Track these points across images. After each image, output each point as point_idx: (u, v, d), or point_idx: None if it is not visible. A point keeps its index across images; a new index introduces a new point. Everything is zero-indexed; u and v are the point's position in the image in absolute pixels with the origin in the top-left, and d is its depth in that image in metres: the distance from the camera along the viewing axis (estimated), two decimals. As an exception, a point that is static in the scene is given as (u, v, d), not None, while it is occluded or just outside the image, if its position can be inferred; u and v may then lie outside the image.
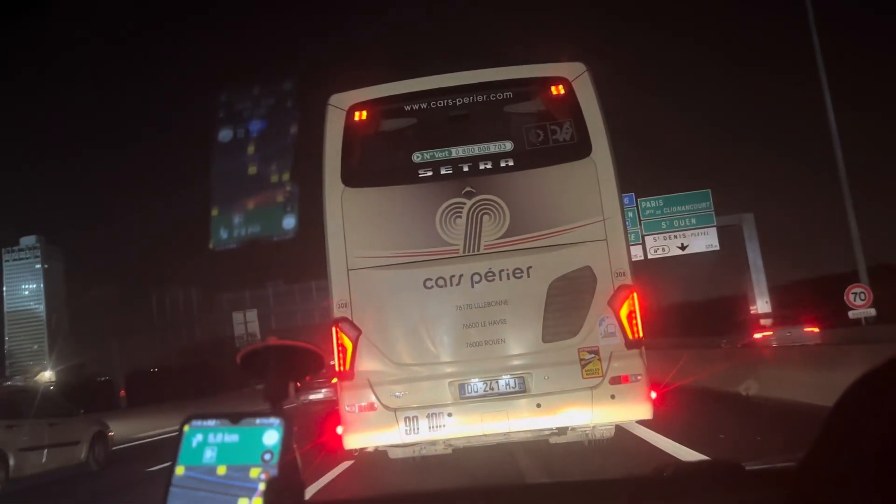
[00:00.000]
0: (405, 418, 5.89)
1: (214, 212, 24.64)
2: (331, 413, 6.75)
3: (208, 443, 1.06)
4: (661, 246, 27.33)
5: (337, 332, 6.07)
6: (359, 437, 6.04)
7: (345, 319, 6.08)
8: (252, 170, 23.83)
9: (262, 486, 1.01)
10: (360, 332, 6.05)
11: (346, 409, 5.99)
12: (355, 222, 6.21)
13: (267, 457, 1.03)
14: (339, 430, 6.05)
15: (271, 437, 1.05)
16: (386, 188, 6.37)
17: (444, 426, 5.90)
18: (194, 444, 1.07)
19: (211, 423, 1.08)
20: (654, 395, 6.02)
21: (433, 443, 6.18)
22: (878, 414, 0.93)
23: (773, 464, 1.54)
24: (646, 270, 28.04)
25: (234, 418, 1.07)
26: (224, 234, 24.77)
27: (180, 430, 1.08)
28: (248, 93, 24.46)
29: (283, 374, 1.23)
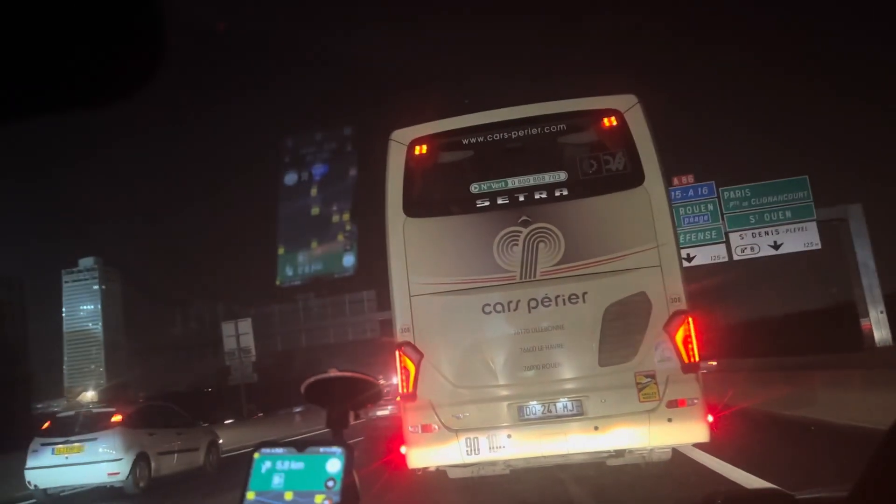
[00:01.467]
0: (466, 439, 6.12)
1: (281, 250, 25.50)
2: (395, 433, 7.02)
3: (276, 469, 1.14)
4: (750, 245, 23.15)
5: (400, 355, 6.36)
6: (422, 457, 6.29)
7: (408, 343, 6.36)
8: (315, 210, 24.65)
9: None
10: (422, 355, 6.31)
11: (410, 429, 6.26)
12: (417, 251, 6.50)
13: (330, 483, 1.10)
14: (403, 449, 6.32)
15: (334, 465, 1.12)
16: (445, 218, 6.66)
17: (503, 447, 6.11)
18: (263, 470, 1.14)
19: (279, 451, 1.15)
20: (710, 418, 6.11)
21: (493, 463, 6.38)
22: None
23: (823, 492, 1.52)
24: (730, 273, 25.06)
25: (300, 447, 1.15)
26: (290, 272, 25.66)
27: (251, 458, 1.16)
28: (310, 138, 25.34)
29: (344, 402, 1.30)
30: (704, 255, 23.39)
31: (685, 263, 21.33)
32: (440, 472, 6.81)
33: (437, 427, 6.19)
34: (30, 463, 11.94)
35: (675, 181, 23.39)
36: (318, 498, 1.09)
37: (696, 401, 6.04)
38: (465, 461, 6.19)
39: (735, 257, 23.22)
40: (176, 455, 13.58)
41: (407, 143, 6.69)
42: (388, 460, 7.40)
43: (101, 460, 11.82)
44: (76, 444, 11.90)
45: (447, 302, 6.39)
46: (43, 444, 12.06)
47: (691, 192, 23.71)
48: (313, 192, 24.77)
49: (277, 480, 1.12)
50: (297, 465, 1.12)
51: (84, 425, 12.34)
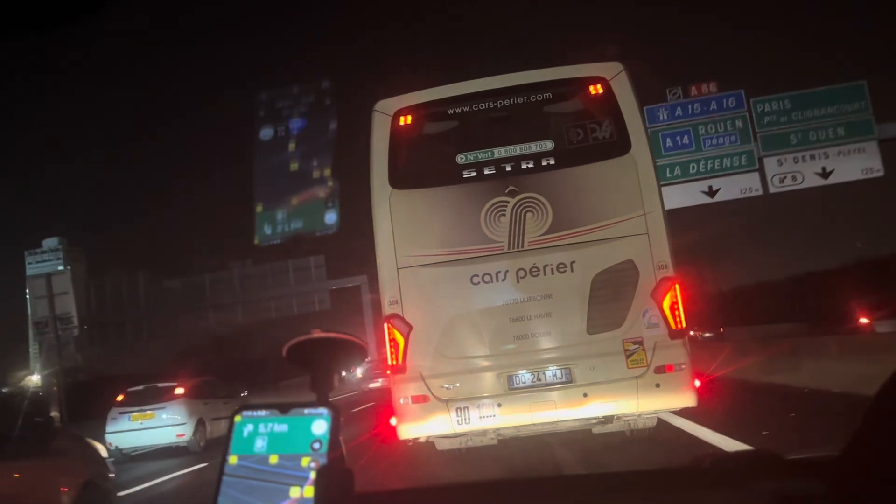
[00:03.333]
0: (456, 409, 6.11)
1: (259, 208, 24.61)
2: (385, 405, 6.97)
3: (259, 433, 1.09)
4: (791, 173, 18.39)
5: (389, 328, 6.31)
6: (412, 428, 6.28)
7: (396, 316, 6.32)
8: (294, 166, 23.99)
9: (312, 475, 1.04)
10: (410, 327, 6.28)
11: (401, 401, 6.22)
12: (403, 223, 6.46)
13: (316, 446, 1.06)
14: (393, 421, 6.29)
15: (320, 426, 1.08)
16: (432, 189, 6.61)
17: (493, 416, 6.10)
18: (245, 434, 1.09)
19: (261, 413, 1.10)
20: (697, 383, 6.17)
21: (482, 433, 6.38)
22: None
23: (812, 453, 1.53)
24: (763, 211, 21.86)
25: (284, 408, 1.10)
26: (268, 230, 24.81)
27: (231, 421, 1.11)
28: (287, 92, 24.70)
29: (328, 365, 1.25)
30: (732, 188, 19.16)
31: (707, 199, 19.42)
32: (428, 444, 6.79)
33: (427, 398, 6.16)
34: (109, 428, 14.39)
35: (693, 91, 19.71)
36: (305, 461, 1.05)
37: (683, 366, 6.10)
38: (455, 431, 6.19)
39: (772, 189, 18.62)
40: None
41: (391, 114, 6.63)
42: (377, 432, 7.33)
43: (169, 424, 14.43)
44: (149, 412, 14.50)
45: (435, 274, 6.36)
46: (120, 413, 14.59)
47: (714, 106, 19.33)
48: (291, 146, 24.10)
49: (260, 444, 1.08)
50: (281, 428, 1.08)
51: (154, 396, 14.89)
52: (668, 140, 19.73)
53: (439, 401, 6.15)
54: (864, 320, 21.28)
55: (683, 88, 20.05)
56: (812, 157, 18.38)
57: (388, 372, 6.51)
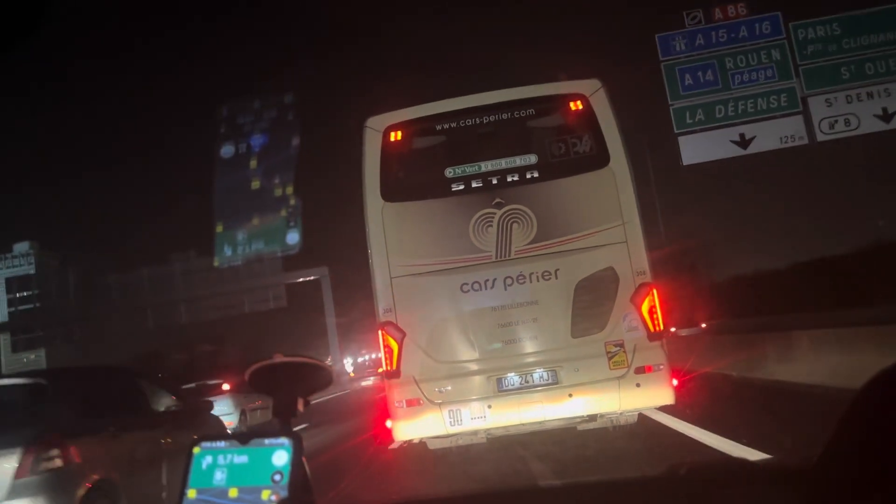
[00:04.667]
0: (449, 411, 6.53)
1: (219, 228, 24.03)
2: (380, 408, 7.41)
3: (218, 464, 1.05)
4: (844, 115, 15.02)
5: (383, 334, 6.71)
6: (407, 430, 6.70)
7: (390, 323, 6.71)
8: (255, 184, 23.32)
9: None
10: (404, 334, 6.67)
11: (395, 404, 6.65)
12: (396, 234, 6.80)
13: (277, 477, 1.03)
14: (389, 423, 6.73)
15: (281, 457, 1.04)
16: (422, 202, 6.95)
17: (484, 417, 6.54)
18: (204, 466, 1.06)
19: (220, 444, 1.07)
20: (675, 382, 6.58)
21: (473, 433, 6.80)
22: (891, 415, 0.96)
23: (787, 460, 1.52)
24: (813, 161, 17.62)
25: (243, 439, 1.07)
26: (228, 251, 24.57)
27: (189, 453, 1.08)
28: (248, 106, 23.95)
29: (291, 390, 1.23)
30: (769, 136, 15.93)
31: (738, 150, 16.13)
32: (420, 444, 7.22)
33: (421, 401, 6.59)
34: None
35: (718, 14, 16.21)
36: (265, 494, 1.02)
37: (661, 366, 6.49)
38: (448, 432, 6.61)
39: (820, 137, 15.36)
40: (259, 411, 18.28)
41: (382, 130, 6.92)
42: (374, 434, 7.84)
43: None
44: None
45: (427, 282, 6.73)
46: None
47: (744, 32, 15.89)
48: (252, 164, 23.76)
49: (220, 476, 1.04)
50: (241, 459, 1.05)
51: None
52: (688, 77, 16.20)
53: (432, 403, 6.56)
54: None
55: (705, 11, 16.36)
56: (869, 95, 14.89)
57: (383, 376, 6.98)
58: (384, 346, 6.73)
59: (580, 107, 6.78)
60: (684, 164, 17.03)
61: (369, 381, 26.59)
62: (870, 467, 0.96)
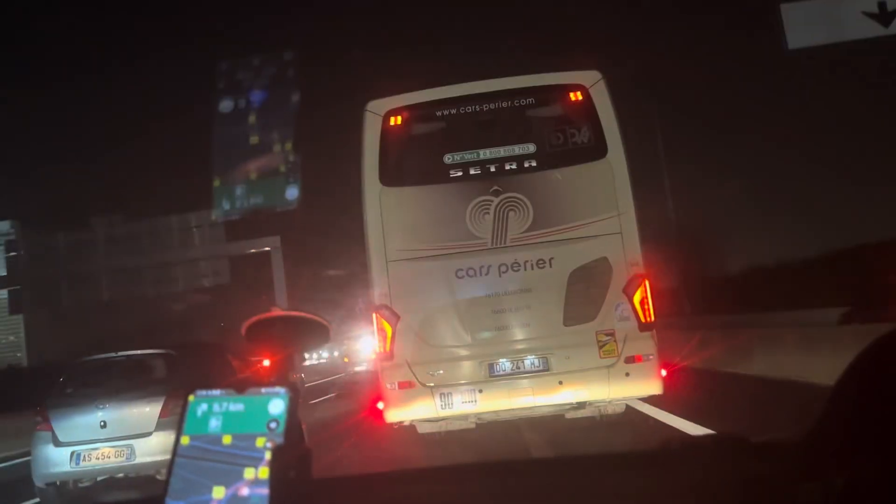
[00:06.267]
0: (440, 394, 6.57)
1: (216, 183, 23.99)
2: (372, 391, 7.41)
3: (213, 412, 1.06)
4: None
5: (378, 318, 6.75)
6: (398, 412, 6.74)
7: (385, 307, 6.74)
8: (254, 139, 23.29)
9: (268, 455, 1.01)
10: (398, 317, 6.71)
11: (388, 386, 6.68)
12: (393, 219, 6.85)
13: (273, 425, 1.03)
14: (380, 405, 6.76)
15: (277, 406, 1.04)
16: (420, 187, 7.00)
17: (475, 401, 6.58)
18: (199, 413, 1.06)
19: (216, 392, 1.07)
20: (664, 372, 6.68)
21: (463, 417, 6.86)
22: (881, 385, 0.97)
23: (780, 435, 1.49)
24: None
25: (240, 388, 1.07)
26: (227, 206, 24.32)
27: (185, 400, 1.08)
28: (248, 63, 23.98)
29: (288, 344, 1.24)
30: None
31: (877, 28, 10.87)
32: (410, 428, 7.26)
33: (412, 384, 6.62)
34: None
35: None
36: (260, 441, 1.02)
37: (651, 357, 6.59)
38: (438, 415, 6.65)
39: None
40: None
41: (382, 114, 6.97)
42: (364, 415, 7.81)
43: None
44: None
45: (422, 267, 6.77)
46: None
47: None
48: (251, 119, 23.62)
49: (214, 424, 1.05)
50: (237, 407, 1.05)
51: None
52: None
53: (424, 387, 6.60)
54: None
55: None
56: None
57: (375, 357, 6.99)
58: (378, 330, 6.76)
59: (580, 98, 6.89)
60: (790, 47, 12.19)
61: (363, 366, 25.82)
62: (862, 436, 0.97)
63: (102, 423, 7.43)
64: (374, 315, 6.80)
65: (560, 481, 1.45)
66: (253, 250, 31.13)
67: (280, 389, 1.05)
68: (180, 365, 8.12)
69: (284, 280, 30.32)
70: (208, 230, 29.14)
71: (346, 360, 37.51)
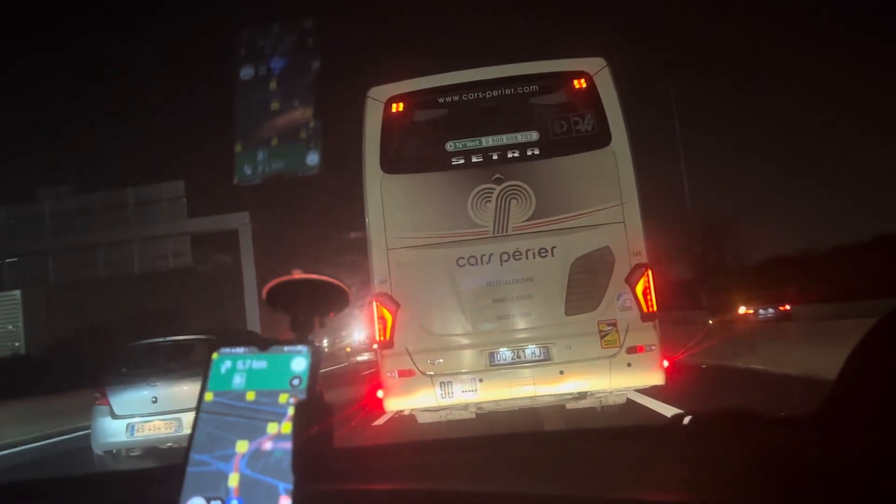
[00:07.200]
0: (440, 383, 6.53)
1: (238, 148, 23.75)
2: (372, 379, 7.39)
3: (237, 369, 1.07)
4: None
5: (378, 305, 6.70)
6: (398, 401, 6.70)
7: (385, 294, 6.70)
8: (275, 106, 23.14)
9: (291, 411, 1.02)
10: (398, 305, 6.66)
11: (387, 375, 6.64)
12: (394, 206, 6.79)
13: (295, 382, 1.04)
14: (380, 393, 6.70)
15: (299, 363, 1.06)
16: (422, 175, 6.93)
17: (475, 391, 6.54)
18: (223, 370, 1.08)
19: (239, 350, 1.09)
20: (666, 363, 6.63)
21: (463, 406, 6.82)
22: (890, 361, 0.97)
23: (792, 410, 1.50)
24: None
25: (263, 346, 1.08)
26: (248, 171, 24.04)
27: (208, 358, 1.09)
28: (268, 30, 23.93)
29: (309, 306, 1.24)
30: None
31: None
32: (410, 417, 7.25)
33: (413, 372, 6.58)
34: None
35: None
36: (283, 397, 1.03)
37: (653, 347, 6.53)
38: (439, 404, 6.61)
39: None
40: None
41: (384, 101, 6.90)
42: (364, 404, 7.79)
43: None
44: None
45: (423, 255, 6.72)
46: None
47: None
48: (272, 86, 23.51)
49: (238, 380, 1.06)
50: (260, 365, 1.07)
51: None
52: None
53: (424, 375, 6.57)
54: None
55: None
56: None
57: (376, 347, 6.94)
58: (378, 317, 6.71)
59: (584, 85, 6.81)
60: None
61: (365, 356, 26.05)
62: (875, 410, 0.96)
63: (154, 399, 8.34)
64: (373, 303, 6.75)
65: (570, 451, 1.45)
66: (219, 228, 27.93)
67: (302, 347, 1.07)
68: (220, 347, 8.99)
69: (254, 264, 27.29)
70: (167, 202, 25.88)
71: (347, 349, 37.72)
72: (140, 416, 8.35)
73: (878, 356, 1.01)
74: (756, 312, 23.34)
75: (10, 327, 36.54)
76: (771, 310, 23.32)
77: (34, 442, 13.39)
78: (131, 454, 8.64)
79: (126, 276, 27.58)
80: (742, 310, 23.79)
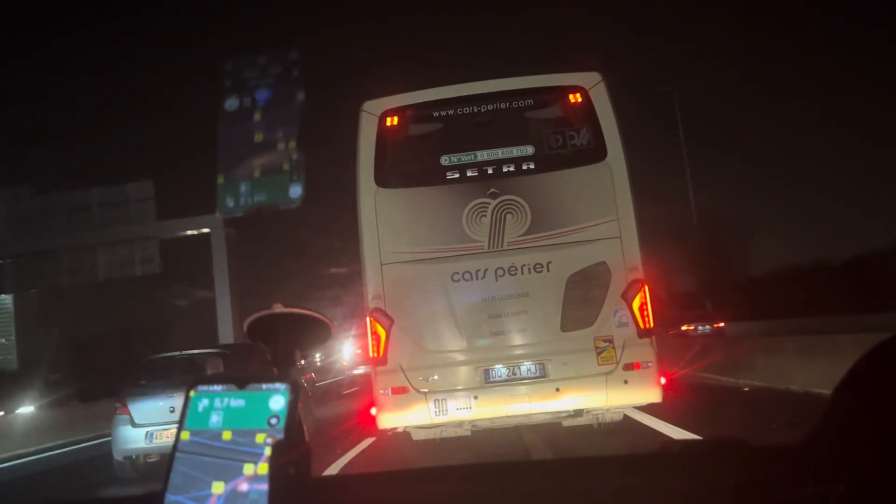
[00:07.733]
0: (435, 400, 6.42)
1: (220, 180, 23.62)
2: (365, 396, 7.27)
3: (214, 407, 1.05)
4: None
5: (371, 321, 6.60)
6: (391, 418, 6.58)
7: (378, 310, 6.60)
8: (258, 137, 23.21)
9: (267, 451, 1.01)
10: (392, 321, 6.57)
11: (381, 392, 6.53)
12: (388, 221, 6.72)
13: (273, 421, 1.03)
14: (373, 411, 6.60)
15: (277, 401, 1.04)
16: (416, 189, 6.88)
17: (470, 408, 6.43)
18: (200, 408, 1.06)
19: (217, 388, 1.07)
20: (663, 380, 6.54)
21: (458, 424, 6.70)
22: (881, 391, 0.97)
23: (780, 440, 1.46)
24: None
25: (241, 383, 1.06)
26: (230, 203, 23.98)
27: (186, 396, 1.08)
28: (253, 61, 23.97)
29: (290, 341, 1.23)
30: None
31: None
32: (405, 434, 7.12)
33: (406, 389, 6.47)
34: None
35: None
36: (260, 437, 1.02)
37: (650, 364, 6.45)
38: (433, 422, 6.50)
39: None
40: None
41: (378, 115, 6.85)
42: (358, 421, 7.66)
43: None
44: None
45: (418, 270, 6.64)
46: None
47: None
48: (256, 117, 23.47)
49: (215, 419, 1.04)
50: (237, 403, 1.05)
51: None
52: None
53: (418, 392, 6.46)
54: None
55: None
56: None
57: (369, 364, 6.84)
58: (372, 333, 6.62)
59: (579, 99, 6.78)
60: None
61: (361, 370, 25.72)
62: (863, 441, 0.96)
63: (171, 409, 8.85)
64: (367, 318, 6.65)
65: (557, 482, 1.45)
66: (189, 232, 25.40)
67: (281, 385, 1.06)
68: (233, 361, 9.72)
69: (227, 272, 24.93)
70: (134, 204, 23.99)
71: (342, 363, 37.89)
72: (158, 424, 8.88)
73: (863, 390, 1.00)
74: (696, 328, 27.71)
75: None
76: (708, 326, 27.51)
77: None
78: (149, 460, 9.23)
79: (88, 285, 25.98)
80: (684, 327, 27.92)
